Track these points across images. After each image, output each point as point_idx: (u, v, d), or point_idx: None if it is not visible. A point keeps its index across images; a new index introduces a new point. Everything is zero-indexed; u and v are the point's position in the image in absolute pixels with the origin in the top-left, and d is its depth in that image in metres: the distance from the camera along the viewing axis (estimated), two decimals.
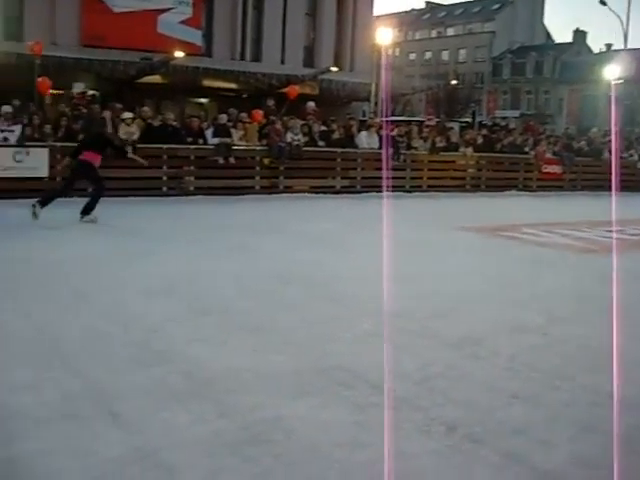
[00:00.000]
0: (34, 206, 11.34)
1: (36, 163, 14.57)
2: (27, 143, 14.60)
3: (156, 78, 23.12)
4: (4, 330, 5.82)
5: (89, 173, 12.17)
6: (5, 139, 14.53)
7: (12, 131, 14.64)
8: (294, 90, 19.78)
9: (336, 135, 18.74)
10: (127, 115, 15.71)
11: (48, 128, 15.22)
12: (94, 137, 12.91)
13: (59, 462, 3.69)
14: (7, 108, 15.02)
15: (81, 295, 7.08)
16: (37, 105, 16.44)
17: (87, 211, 11.91)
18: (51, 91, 17.85)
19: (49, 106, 16.42)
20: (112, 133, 13.90)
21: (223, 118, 17.34)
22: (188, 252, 9.53)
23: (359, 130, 19.34)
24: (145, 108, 17.18)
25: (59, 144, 14.92)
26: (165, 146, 15.91)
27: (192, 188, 16.24)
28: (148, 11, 24.82)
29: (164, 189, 16.02)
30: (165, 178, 16.10)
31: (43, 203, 11.51)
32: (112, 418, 4.22)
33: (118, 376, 4.86)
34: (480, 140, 21.47)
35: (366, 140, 18.84)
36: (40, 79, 15.99)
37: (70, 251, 9.37)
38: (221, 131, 16.77)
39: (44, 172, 14.68)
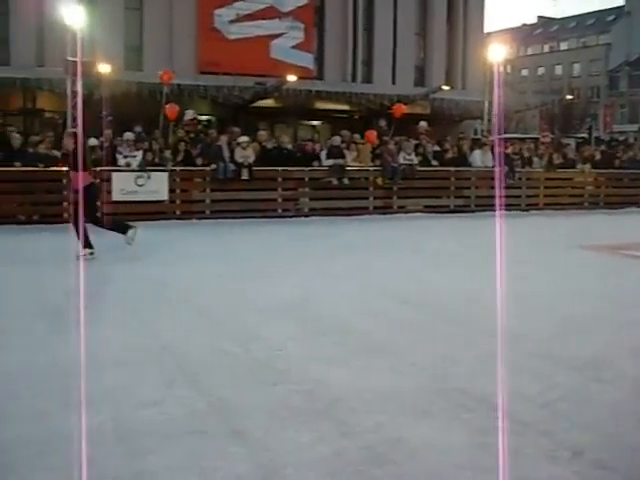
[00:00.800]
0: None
1: (157, 187, 15.12)
2: (148, 168, 15.15)
3: (270, 102, 23.57)
4: (131, 347, 6.03)
5: None
6: (128, 164, 15.14)
7: (134, 156, 15.26)
8: (400, 109, 19.72)
9: (449, 154, 18.64)
10: (243, 139, 16.11)
11: (168, 153, 15.76)
12: None
13: (184, 478, 3.77)
14: (129, 135, 15.70)
15: (203, 314, 7.27)
16: (161, 131, 17.04)
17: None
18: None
19: (168, 132, 16.98)
20: None
21: (337, 140, 17.52)
22: (305, 272, 9.63)
23: (472, 149, 19.17)
24: (261, 132, 17.57)
25: (178, 168, 15.46)
26: (280, 168, 16.22)
27: (307, 209, 16.48)
28: (261, 37, 25.41)
29: (279, 210, 16.31)
30: (280, 200, 16.38)
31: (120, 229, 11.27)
32: (236, 435, 4.28)
33: (242, 394, 4.94)
34: (598, 156, 20.89)
35: (480, 158, 18.65)
36: (168, 106, 16.56)
37: (188, 271, 9.65)
38: (335, 153, 16.95)
39: (164, 195, 15.22)
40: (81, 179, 10.41)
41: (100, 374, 5.32)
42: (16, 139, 15.13)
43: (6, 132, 15.73)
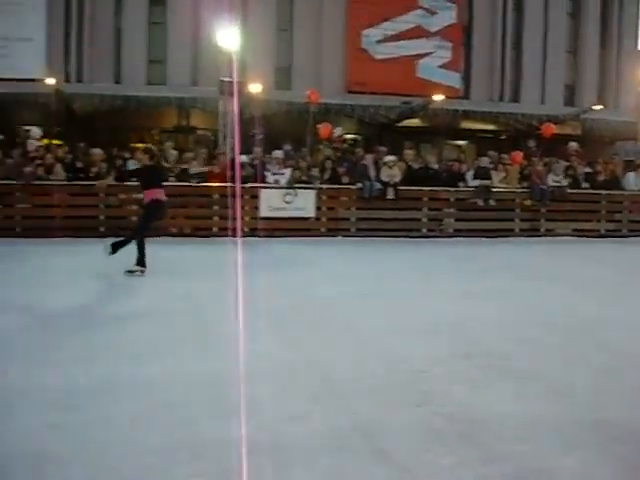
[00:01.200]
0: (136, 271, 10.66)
1: (304, 204, 15.43)
2: (296, 185, 15.47)
3: (415, 121, 23.61)
4: (278, 360, 6.18)
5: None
6: (276, 181, 15.53)
7: (282, 174, 15.64)
8: (549, 129, 19.24)
9: (601, 176, 18.02)
10: (389, 158, 16.20)
11: (315, 171, 16.04)
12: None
13: None
14: (278, 153, 16.12)
15: (348, 332, 7.34)
16: (309, 149, 17.42)
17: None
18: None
19: (316, 150, 17.31)
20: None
21: (485, 161, 17.34)
22: (450, 293, 9.51)
23: (625, 171, 18.47)
24: (407, 151, 17.59)
25: (325, 186, 15.72)
26: (426, 188, 16.19)
27: (451, 230, 16.35)
28: (408, 57, 25.48)
29: (424, 230, 16.26)
30: (425, 220, 16.34)
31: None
32: (378, 455, 4.30)
33: (385, 414, 4.95)
34: None
35: (634, 182, 17.94)
36: (323, 125, 16.92)
37: (333, 289, 9.72)
38: (481, 173, 16.77)
39: (311, 212, 15.51)
40: (146, 196, 10.92)
41: (249, 385, 5.48)
42: (172, 155, 15.82)
43: (163, 149, 16.45)
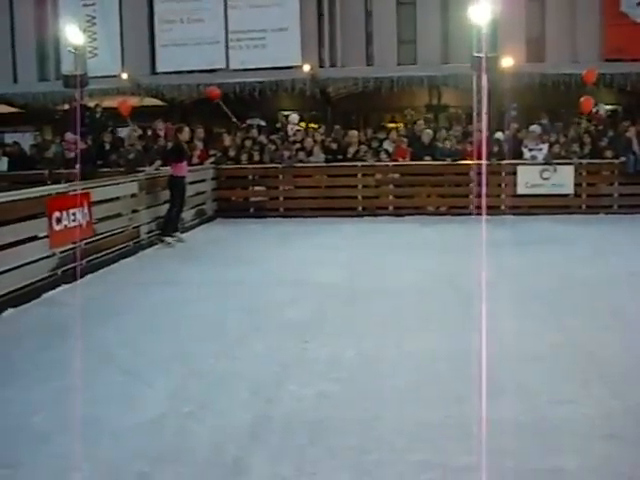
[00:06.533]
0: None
1: (562, 180, 14.88)
2: (554, 161, 14.94)
3: None
4: (544, 342, 6.02)
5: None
6: (533, 157, 15.09)
7: (540, 149, 15.16)
8: None
9: None
10: None
11: (575, 146, 15.41)
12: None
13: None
14: (535, 128, 15.64)
15: (616, 314, 7.05)
16: (567, 123, 16.77)
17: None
18: None
19: (574, 124, 16.60)
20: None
21: None
22: None
23: None
24: None
25: (585, 161, 15.06)
26: None
27: None
28: None
29: None
30: None
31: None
32: None
33: None
34: None
35: None
36: (583, 99, 16.23)
37: (595, 268, 9.33)
38: None
39: (569, 189, 14.94)
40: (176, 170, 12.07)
41: (515, 366, 5.41)
42: (427, 135, 15.88)
43: (417, 129, 16.56)
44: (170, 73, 22.75)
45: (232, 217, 15.12)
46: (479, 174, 14.46)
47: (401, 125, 19.44)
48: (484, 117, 15.73)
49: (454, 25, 21.55)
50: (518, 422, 4.43)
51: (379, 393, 4.95)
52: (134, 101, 19.82)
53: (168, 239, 11.92)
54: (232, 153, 16.13)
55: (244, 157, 15.90)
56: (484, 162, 14.60)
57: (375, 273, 9.32)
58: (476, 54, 16.49)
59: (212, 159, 15.99)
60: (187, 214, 13.72)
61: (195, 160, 15.36)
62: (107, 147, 16.29)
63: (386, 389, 5.03)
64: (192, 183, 13.92)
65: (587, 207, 15.08)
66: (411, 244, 11.59)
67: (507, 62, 18.49)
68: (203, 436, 4.32)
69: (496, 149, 15.26)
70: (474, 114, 16.93)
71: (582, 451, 4.04)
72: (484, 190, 14.63)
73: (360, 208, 15.36)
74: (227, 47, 23.35)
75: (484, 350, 5.15)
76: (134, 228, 11.48)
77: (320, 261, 10.05)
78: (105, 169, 14.99)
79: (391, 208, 15.40)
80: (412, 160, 15.48)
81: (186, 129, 12.67)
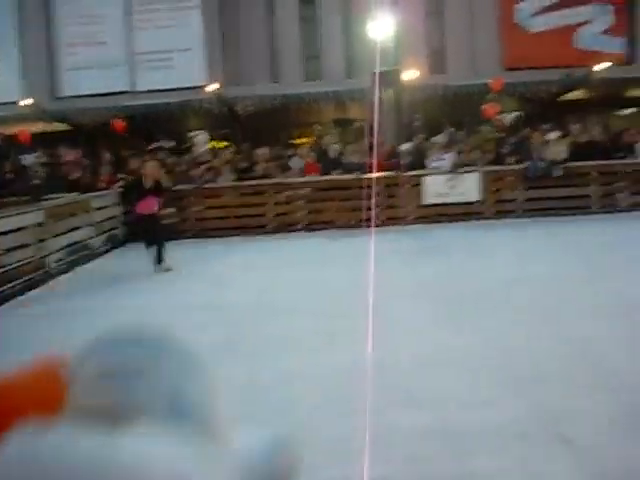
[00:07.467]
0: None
1: (468, 188, 15.26)
2: (458, 169, 15.30)
3: (578, 94, 22.73)
4: (452, 347, 6.16)
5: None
6: (438, 167, 15.43)
7: (444, 159, 15.50)
8: None
9: None
10: (553, 135, 15.69)
11: (477, 153, 15.81)
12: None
13: None
14: (438, 138, 16.00)
15: (527, 315, 7.22)
16: (470, 132, 17.18)
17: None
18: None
19: (476, 132, 17.03)
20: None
21: None
22: (633, 273, 9.15)
23: None
24: (573, 126, 16.98)
25: (488, 168, 15.48)
26: (594, 163, 15.53)
27: (625, 205, 15.63)
28: (566, 27, 24.55)
29: (594, 207, 15.63)
30: (595, 196, 15.71)
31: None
32: (563, 442, 4.26)
33: (571, 399, 4.88)
34: None
35: None
36: (487, 105, 16.61)
37: (507, 271, 9.58)
38: None
39: (475, 196, 15.33)
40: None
41: (425, 373, 5.52)
42: (334, 149, 16.07)
43: (324, 144, 16.75)
44: (75, 97, 22.40)
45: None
46: (386, 186, 14.69)
47: (309, 141, 19.61)
48: (387, 130, 16.03)
49: (357, 40, 21.88)
50: (433, 428, 4.51)
51: (294, 411, 4.96)
52: (37, 127, 19.44)
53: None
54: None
55: None
56: (390, 174, 14.84)
57: (286, 290, 9.36)
58: (378, 68, 16.80)
59: (121, 183, 15.80)
60: (97, 240, 13.54)
61: (102, 185, 15.18)
62: (10, 176, 15.93)
63: (302, 407, 5.05)
64: (101, 209, 13.76)
65: (493, 213, 15.48)
66: (321, 260, 11.70)
67: (410, 75, 18.83)
68: None
69: (402, 161, 15.53)
70: (378, 128, 17.21)
71: (495, 453, 4.14)
72: (381, 202, 14.81)
73: (271, 226, 15.40)
74: (132, 69, 23.16)
75: (398, 360, 5.26)
76: (41, 258, 11.25)
77: (230, 281, 10.04)
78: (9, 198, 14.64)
79: (302, 224, 15.49)
80: (321, 175, 15.63)
81: (151, 163, 12.16)
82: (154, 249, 11.32)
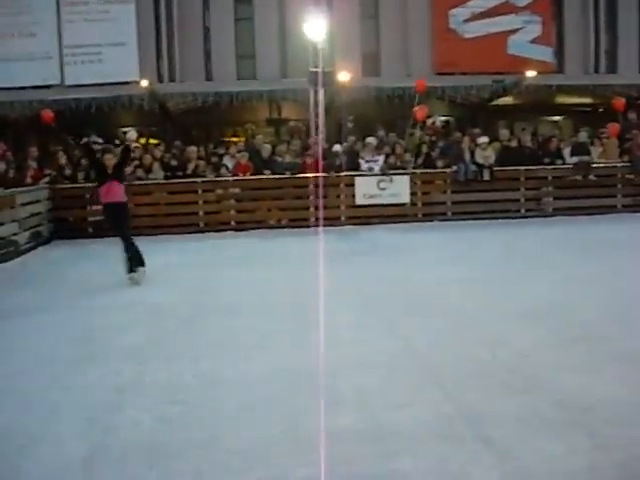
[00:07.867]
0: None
1: (398, 190, 15.39)
2: (390, 171, 15.43)
3: (508, 100, 23.10)
4: (379, 350, 6.19)
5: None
6: (370, 168, 15.52)
7: (376, 161, 15.61)
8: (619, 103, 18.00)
9: None
10: (483, 139, 15.93)
11: (408, 156, 15.95)
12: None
13: None
14: (371, 140, 16.09)
15: (450, 317, 7.31)
16: (401, 134, 17.30)
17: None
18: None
19: (408, 135, 17.15)
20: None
21: (583, 136, 16.78)
22: (552, 276, 9.30)
23: None
24: (502, 131, 17.26)
25: (419, 171, 15.63)
26: (522, 168, 15.84)
27: (550, 209, 15.98)
28: (497, 34, 24.92)
29: (522, 211, 15.95)
30: (523, 200, 16.03)
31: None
32: (485, 442, 4.27)
33: (490, 400, 4.92)
34: None
35: None
36: (417, 108, 16.67)
37: (432, 274, 9.69)
38: (579, 149, 16.26)
39: (405, 198, 15.46)
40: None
41: (352, 376, 5.52)
42: (266, 149, 16.03)
43: (256, 143, 16.68)
44: (1, 89, 21.82)
45: (70, 238, 14.57)
46: (317, 186, 14.72)
47: (241, 140, 19.51)
48: (321, 130, 16.06)
49: (292, 40, 21.88)
50: (355, 430, 4.50)
51: (216, 414, 4.89)
52: None
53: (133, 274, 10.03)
54: (68, 172, 15.67)
55: (81, 176, 15.45)
56: (322, 174, 14.86)
57: (213, 291, 9.28)
58: (313, 69, 16.81)
59: (47, 179, 15.47)
60: (21, 237, 13.21)
61: (29, 180, 14.83)
62: None
63: (223, 410, 4.97)
64: (26, 204, 13.44)
65: (422, 215, 15.65)
66: (251, 259, 11.67)
67: (344, 76, 18.87)
68: (34, 472, 4.15)
69: (334, 161, 15.56)
70: (312, 127, 17.24)
71: (417, 453, 4.15)
72: (322, 202, 14.87)
73: (202, 224, 15.29)
74: (62, 62, 22.69)
75: (322, 363, 5.25)
76: None
77: (157, 280, 9.90)
78: None
79: (233, 223, 15.42)
80: (253, 175, 15.57)
81: (108, 156, 10.66)
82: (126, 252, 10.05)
